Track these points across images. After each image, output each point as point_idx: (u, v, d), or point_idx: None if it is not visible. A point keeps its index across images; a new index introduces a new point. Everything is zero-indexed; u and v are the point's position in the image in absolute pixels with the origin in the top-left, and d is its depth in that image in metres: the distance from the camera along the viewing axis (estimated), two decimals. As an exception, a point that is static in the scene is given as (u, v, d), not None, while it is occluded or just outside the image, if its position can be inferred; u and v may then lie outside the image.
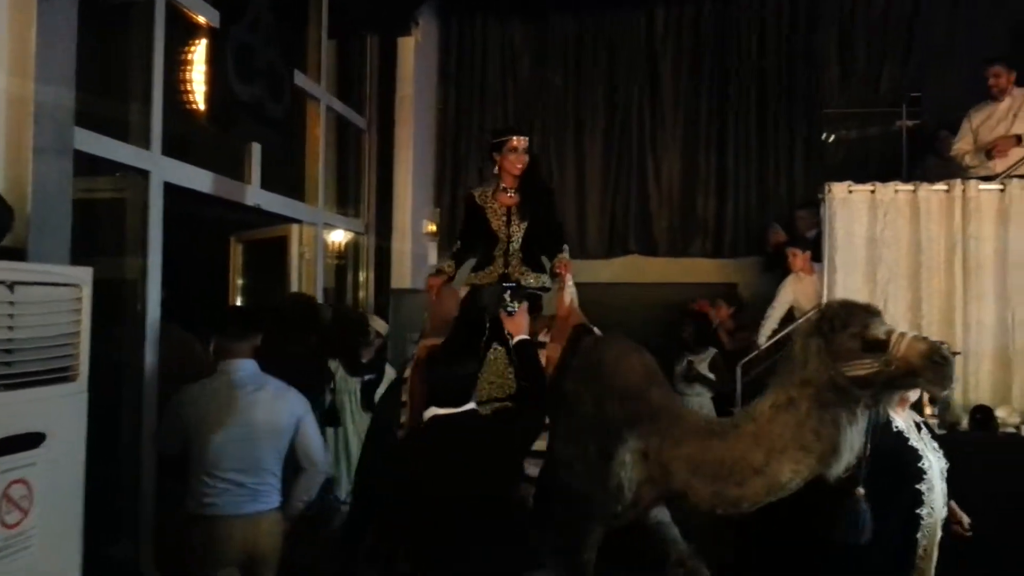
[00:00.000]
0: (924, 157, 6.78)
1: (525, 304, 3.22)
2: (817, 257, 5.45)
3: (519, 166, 3.87)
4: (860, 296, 5.06)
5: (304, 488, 3.54)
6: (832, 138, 7.53)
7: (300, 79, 5.68)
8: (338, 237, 6.78)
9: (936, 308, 5.02)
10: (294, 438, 3.49)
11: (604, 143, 7.65)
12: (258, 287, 6.29)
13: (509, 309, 3.24)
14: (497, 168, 3.93)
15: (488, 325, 3.72)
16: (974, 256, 4.99)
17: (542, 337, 3.71)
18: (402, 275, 7.13)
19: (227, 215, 5.15)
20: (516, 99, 7.76)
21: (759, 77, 7.39)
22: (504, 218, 3.91)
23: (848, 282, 5.08)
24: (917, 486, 3.27)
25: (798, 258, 5.79)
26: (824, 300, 5.12)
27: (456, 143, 7.84)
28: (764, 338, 5.66)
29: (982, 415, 4.77)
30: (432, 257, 7.68)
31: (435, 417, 2.76)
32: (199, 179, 4.29)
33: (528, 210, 3.88)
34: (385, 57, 6.95)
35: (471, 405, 2.81)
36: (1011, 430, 4.71)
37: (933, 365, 2.89)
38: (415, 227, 7.25)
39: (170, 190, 4.01)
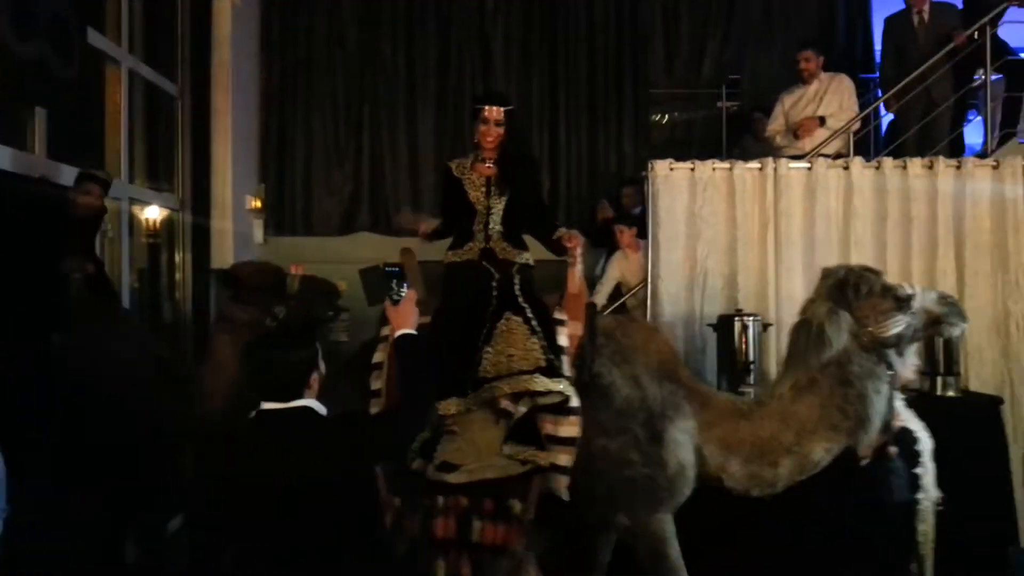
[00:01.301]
0: (742, 137, 7.08)
1: (412, 292, 2.80)
2: (643, 234, 5.55)
3: (490, 139, 3.64)
4: (681, 271, 5.21)
5: None
6: (662, 118, 7.73)
7: (98, 40, 5.15)
8: (152, 214, 6.26)
9: (752, 282, 5.20)
10: None
11: (437, 117, 7.49)
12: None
13: (395, 297, 2.76)
14: (475, 137, 3.69)
15: (496, 294, 3.44)
16: (785, 232, 5.22)
17: (557, 315, 3.50)
18: (223, 255, 6.69)
19: (15, 189, 4.60)
20: (344, 69, 7.44)
21: (589, 55, 7.45)
22: (483, 189, 3.69)
23: (670, 257, 5.19)
24: (915, 470, 3.34)
25: (625, 235, 5.88)
26: (649, 275, 5.23)
27: (282, 114, 7.44)
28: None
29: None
30: (258, 235, 7.28)
31: (263, 412, 2.37)
32: (-35, 148, 3.77)
33: (509, 182, 3.66)
34: (198, 20, 6.44)
35: (305, 401, 2.38)
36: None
37: (950, 307, 3.08)
38: (237, 203, 6.81)
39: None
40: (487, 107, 3.66)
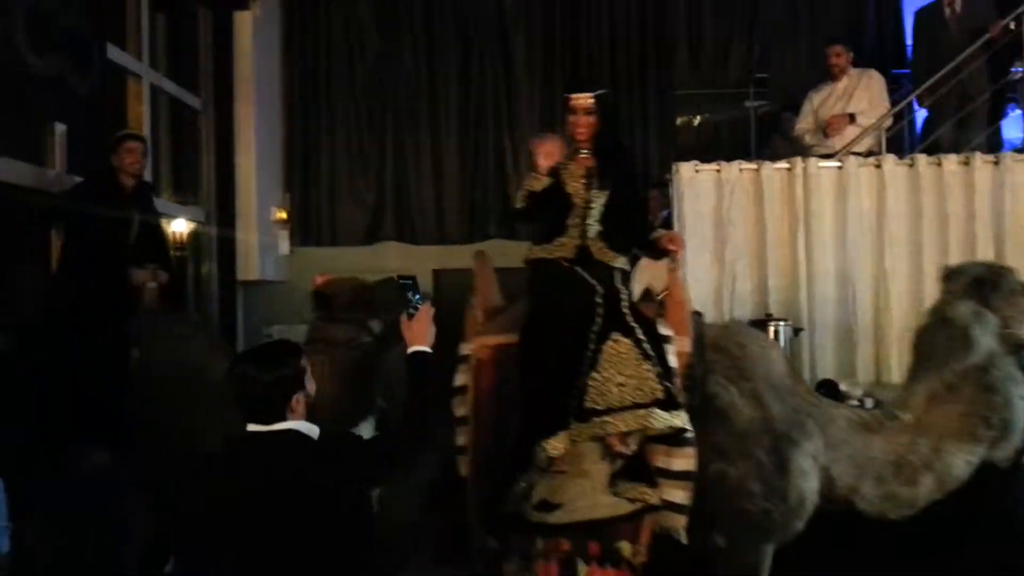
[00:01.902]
0: (771, 137, 6.92)
1: (429, 306, 2.51)
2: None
3: (581, 130, 3.26)
4: (709, 275, 5.09)
5: None
6: (689, 120, 7.61)
7: (118, 55, 5.18)
8: (179, 227, 6.29)
9: (782, 285, 5.08)
10: None
11: (460, 124, 7.43)
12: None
13: (411, 312, 2.49)
14: (568, 130, 3.34)
15: (602, 306, 3.02)
16: (816, 232, 5.08)
17: (662, 329, 3.11)
18: (249, 266, 6.72)
19: (45, 206, 4.63)
20: (366, 77, 7.41)
21: (611, 59, 7.35)
22: (583, 180, 3.30)
23: (697, 261, 5.07)
24: None
25: None
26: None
27: (305, 124, 7.43)
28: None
29: (827, 389, 4.86)
30: (283, 246, 7.28)
31: (246, 435, 2.20)
32: (-18, 164, 3.79)
33: (610, 175, 3.31)
34: (220, 33, 6.48)
35: (290, 424, 2.20)
36: (855, 403, 4.82)
37: None
38: (262, 214, 6.83)
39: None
40: (574, 95, 3.30)
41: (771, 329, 4.59)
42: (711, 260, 5.10)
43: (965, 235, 5.01)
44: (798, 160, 5.16)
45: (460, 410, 3.22)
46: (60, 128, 4.41)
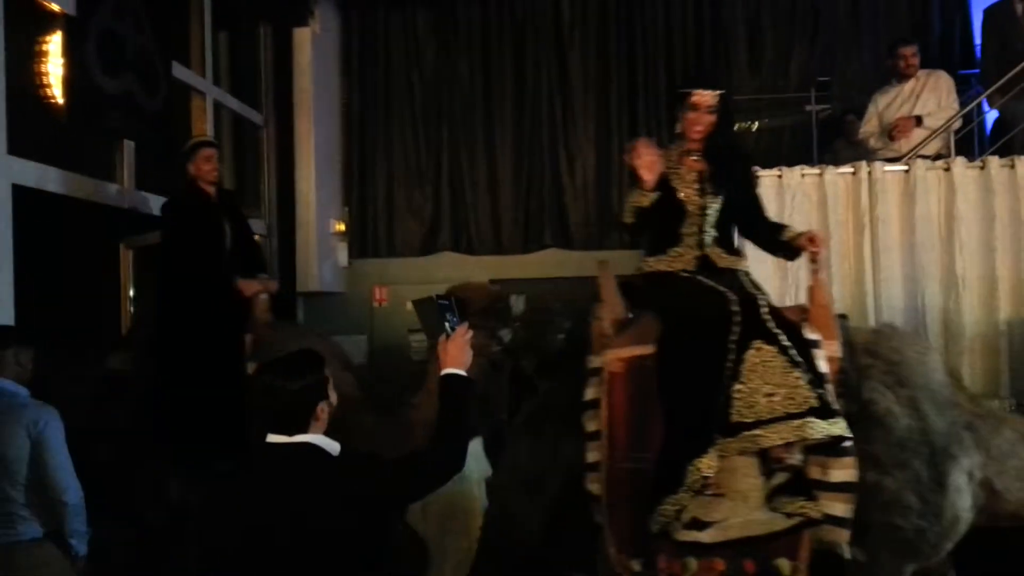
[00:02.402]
0: (834, 142, 6.77)
1: (466, 328, 2.42)
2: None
3: (699, 128, 3.17)
4: (771, 283, 4.96)
5: (60, 523, 3.04)
6: (750, 125, 7.48)
7: (183, 73, 5.32)
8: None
9: (848, 292, 4.93)
10: (33, 463, 3.01)
11: (515, 135, 7.44)
12: (151, 296, 5.88)
13: (448, 333, 2.41)
14: (680, 127, 3.24)
15: (739, 314, 2.86)
16: (882, 238, 4.92)
17: (808, 334, 2.94)
18: (309, 278, 6.82)
19: (114, 220, 4.77)
20: (422, 90, 7.49)
21: (668, 65, 7.28)
22: (696, 186, 3.21)
23: (760, 269, 4.90)
24: None
25: None
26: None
27: (363, 138, 7.54)
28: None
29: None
30: (342, 258, 7.38)
31: (266, 446, 2.16)
32: (55, 180, 3.92)
33: (724, 178, 3.21)
34: (280, 49, 6.62)
35: (309, 437, 2.15)
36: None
37: None
38: (321, 227, 6.94)
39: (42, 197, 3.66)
40: (697, 91, 3.15)
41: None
42: (774, 267, 4.96)
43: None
44: (863, 164, 5.01)
45: (592, 425, 3.09)
46: (129, 145, 4.54)
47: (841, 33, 7.24)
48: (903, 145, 5.46)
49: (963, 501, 2.87)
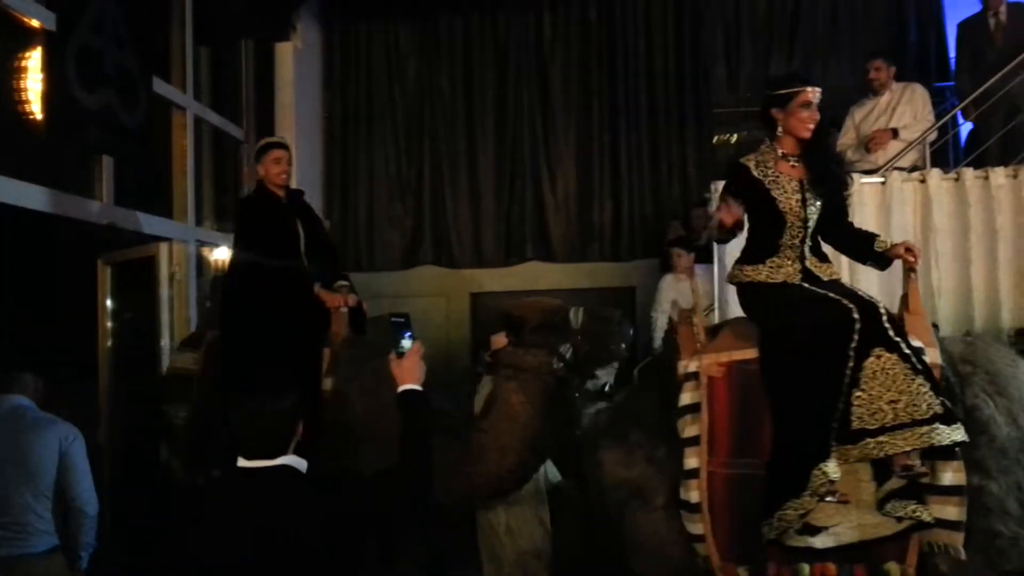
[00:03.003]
0: (812, 154, 6.83)
1: (419, 344, 2.48)
2: (706, 259, 5.38)
3: (811, 126, 3.12)
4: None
5: (75, 534, 3.24)
6: (728, 138, 7.55)
7: (163, 88, 5.31)
8: (221, 255, 6.38)
9: (826, 303, 4.98)
10: (58, 476, 3.24)
11: (496, 149, 7.47)
12: (127, 312, 5.85)
13: (400, 350, 2.48)
14: (780, 130, 3.15)
15: (860, 321, 2.84)
16: (860, 249, 4.98)
17: (914, 341, 2.95)
18: (290, 292, 6.78)
19: (93, 235, 4.75)
20: (404, 104, 7.51)
21: (648, 79, 7.33)
22: (797, 195, 3.12)
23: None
24: None
25: (682, 259, 5.74)
26: (716, 299, 5.04)
27: (344, 152, 7.54)
28: (659, 342, 5.56)
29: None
30: (324, 272, 7.36)
31: (242, 471, 2.14)
32: (32, 196, 3.89)
33: (823, 185, 3.14)
34: (262, 64, 6.63)
35: (288, 459, 2.15)
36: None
37: None
38: (303, 242, 6.91)
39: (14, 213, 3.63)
40: (811, 88, 3.12)
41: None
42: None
43: (1015, 250, 4.87)
44: (840, 176, 5.07)
45: (690, 430, 3.07)
46: (108, 161, 4.52)
47: (819, 46, 7.32)
48: (880, 157, 5.54)
49: None
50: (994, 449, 2.88)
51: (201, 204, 6.03)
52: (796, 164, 3.19)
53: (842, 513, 2.88)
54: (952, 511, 2.80)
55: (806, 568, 2.88)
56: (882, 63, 5.71)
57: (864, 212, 4.99)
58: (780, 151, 3.19)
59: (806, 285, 3.15)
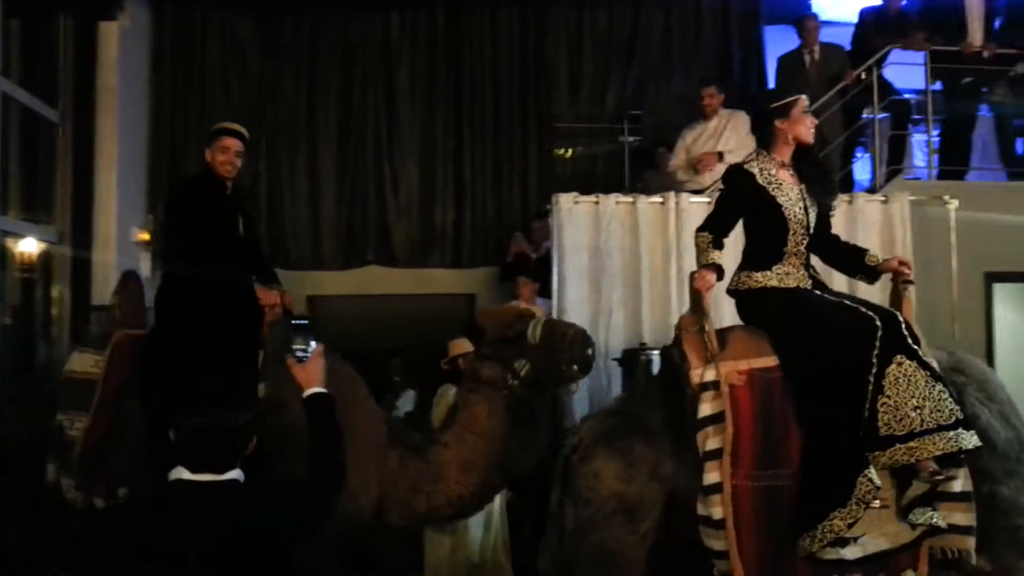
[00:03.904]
0: (644, 172, 7.16)
1: (321, 348, 2.44)
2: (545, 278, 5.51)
3: (812, 130, 3.23)
4: (586, 305, 5.16)
5: None
6: (565, 152, 7.75)
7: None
8: (28, 247, 5.85)
9: (656, 315, 5.19)
10: None
11: (339, 148, 7.30)
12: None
13: (300, 355, 2.53)
14: (780, 140, 3.19)
15: (881, 328, 2.87)
16: (688, 265, 5.22)
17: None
18: (106, 290, 6.29)
19: None
20: (241, 95, 7.17)
21: (494, 87, 7.42)
22: (801, 203, 3.16)
23: (576, 291, 5.14)
24: None
25: (528, 288, 5.86)
26: (555, 308, 5.15)
27: (173, 142, 7.10)
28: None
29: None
30: (145, 269, 6.89)
31: (180, 483, 2.06)
32: None
33: (816, 194, 3.20)
34: (82, 42, 6.12)
35: (235, 473, 2.09)
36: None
37: None
38: (122, 235, 6.44)
39: None
40: (803, 96, 3.24)
41: (644, 357, 4.69)
42: (588, 290, 5.17)
43: (823, 269, 5.26)
44: (671, 195, 5.33)
45: (712, 443, 2.97)
46: None
47: (653, 69, 7.67)
48: (707, 178, 5.86)
49: None
50: (997, 455, 2.99)
51: (6, 190, 5.50)
52: (793, 172, 3.24)
53: (869, 522, 2.89)
54: (961, 516, 2.87)
55: None
56: (714, 90, 6.07)
57: (691, 230, 5.17)
58: (780, 159, 3.24)
59: (818, 292, 3.20)
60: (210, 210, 3.63)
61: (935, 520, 2.85)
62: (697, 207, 5.31)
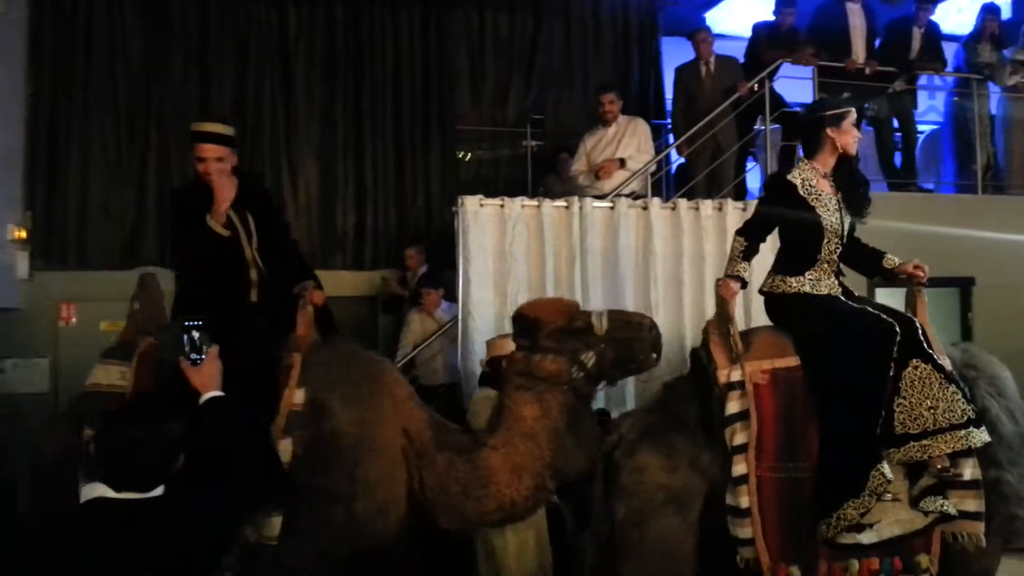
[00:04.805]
0: (546, 177, 7.24)
1: (216, 349, 2.37)
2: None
3: (856, 142, 3.43)
4: (492, 308, 5.16)
5: None
6: (464, 155, 7.73)
7: None
8: None
9: (559, 318, 5.24)
10: None
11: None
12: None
13: (194, 358, 2.33)
14: (827, 148, 3.40)
15: (900, 334, 3.13)
16: (590, 269, 5.33)
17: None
18: (-24, 290, 5.89)
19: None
20: (128, 84, 6.77)
21: (395, 88, 7.31)
22: (838, 213, 3.39)
23: (481, 295, 5.15)
24: None
25: (432, 296, 5.89)
26: (460, 312, 5.13)
27: (53, 132, 6.63)
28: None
29: (600, 418, 5.08)
30: (22, 268, 6.45)
31: (102, 502, 1.94)
32: None
33: (854, 201, 3.42)
34: (-49, 24, 5.69)
35: (159, 491, 1.99)
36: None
37: None
38: (-4, 232, 6.04)
39: None
40: (853, 109, 3.45)
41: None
42: (494, 293, 5.18)
43: (718, 274, 5.39)
44: (575, 199, 5.41)
45: (739, 438, 3.19)
46: None
47: (554, 76, 7.75)
48: (607, 184, 5.98)
49: None
50: (1004, 445, 3.24)
51: None
52: (832, 183, 3.45)
53: (883, 510, 3.14)
54: (971, 503, 3.13)
55: (855, 564, 3.14)
56: (614, 96, 6.19)
57: (594, 234, 5.35)
58: (821, 170, 3.44)
59: (843, 299, 3.43)
60: (199, 230, 3.34)
61: (946, 508, 3.12)
62: (600, 212, 5.42)
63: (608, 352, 3.30)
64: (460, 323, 5.12)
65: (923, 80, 7.54)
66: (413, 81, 7.35)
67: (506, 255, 5.18)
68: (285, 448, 3.00)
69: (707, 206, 5.55)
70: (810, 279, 3.40)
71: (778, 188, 3.48)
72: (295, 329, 3.31)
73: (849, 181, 3.47)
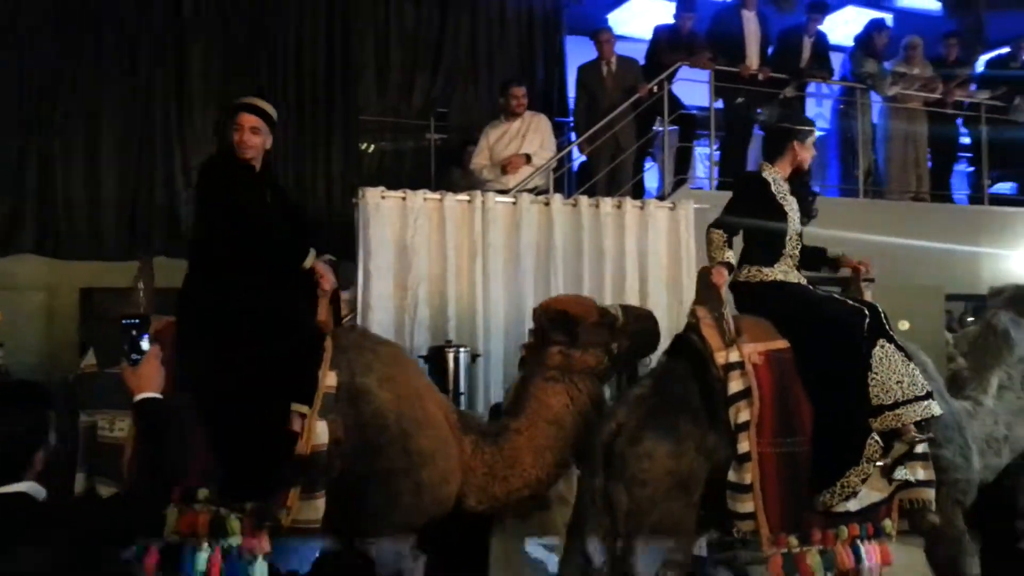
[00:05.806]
0: (450, 170, 7.21)
1: (156, 349, 2.34)
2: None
3: (810, 160, 3.84)
4: (392, 301, 5.12)
5: None
6: (368, 147, 7.62)
7: None
8: None
9: (461, 312, 5.26)
10: None
11: (123, 128, 6.69)
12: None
13: (134, 358, 2.29)
14: (785, 155, 3.76)
15: (868, 322, 3.45)
16: (492, 263, 5.35)
17: None
18: None
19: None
20: (10, 60, 6.36)
21: (298, 78, 7.13)
22: (798, 213, 3.75)
23: (381, 287, 5.09)
24: None
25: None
26: (359, 305, 5.06)
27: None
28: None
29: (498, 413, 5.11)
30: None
31: None
32: None
33: (803, 208, 3.78)
34: None
35: (23, 485, 1.92)
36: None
37: None
38: None
39: None
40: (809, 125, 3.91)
41: (451, 355, 4.73)
42: (394, 286, 5.14)
43: (616, 270, 5.59)
44: (478, 193, 5.42)
45: (743, 416, 3.37)
46: None
47: (459, 69, 7.72)
48: (511, 179, 6.01)
49: (978, 457, 3.77)
50: (940, 425, 3.61)
51: None
52: (791, 186, 3.81)
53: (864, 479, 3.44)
54: (922, 472, 3.51)
55: (844, 529, 3.43)
56: (521, 89, 6.22)
57: (497, 229, 5.38)
58: (782, 174, 3.80)
59: (812, 287, 3.75)
60: (231, 191, 3.44)
61: (907, 476, 3.50)
62: (502, 207, 5.44)
63: (625, 342, 3.69)
64: (359, 317, 5.05)
65: (812, 88, 7.88)
66: (316, 70, 7.18)
67: (407, 249, 5.15)
68: (322, 430, 3.21)
69: (607, 203, 5.65)
70: (781, 270, 3.71)
71: (753, 183, 3.84)
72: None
73: (801, 190, 3.86)
